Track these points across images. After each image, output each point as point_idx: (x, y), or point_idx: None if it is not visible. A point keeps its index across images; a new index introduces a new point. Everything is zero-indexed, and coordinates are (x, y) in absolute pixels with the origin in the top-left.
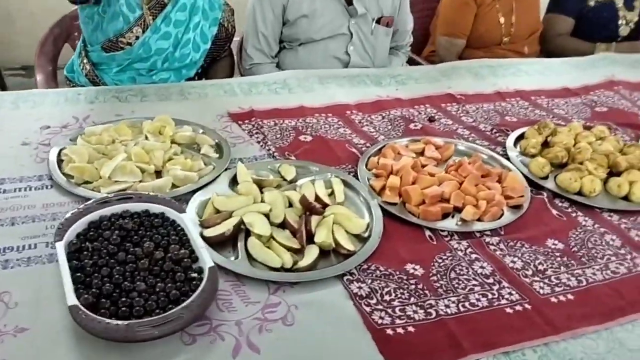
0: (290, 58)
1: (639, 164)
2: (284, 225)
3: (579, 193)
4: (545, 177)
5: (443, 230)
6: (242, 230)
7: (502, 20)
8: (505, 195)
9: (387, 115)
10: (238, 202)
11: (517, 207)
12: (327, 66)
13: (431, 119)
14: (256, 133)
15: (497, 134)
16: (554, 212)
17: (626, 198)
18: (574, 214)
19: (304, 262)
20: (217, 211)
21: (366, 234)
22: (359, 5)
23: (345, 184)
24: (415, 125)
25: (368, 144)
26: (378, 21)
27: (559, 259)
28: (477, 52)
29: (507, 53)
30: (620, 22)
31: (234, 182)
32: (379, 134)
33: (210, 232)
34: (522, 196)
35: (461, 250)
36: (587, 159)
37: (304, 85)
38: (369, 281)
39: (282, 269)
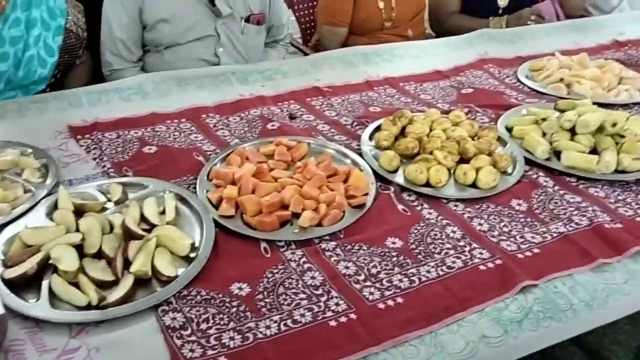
0: (156, 61)
1: (489, 148)
2: (100, 254)
3: (428, 185)
4: (395, 171)
5: (280, 241)
6: (50, 267)
7: (381, 5)
8: (348, 195)
9: (245, 116)
10: (48, 234)
11: (361, 207)
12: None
13: (292, 116)
14: (94, 148)
15: (358, 127)
16: (400, 207)
17: (475, 185)
18: (419, 208)
19: (113, 296)
20: (27, 246)
21: (194, 255)
22: (222, 5)
23: (181, 199)
24: (273, 125)
25: (218, 150)
26: (247, 20)
27: (394, 258)
28: (361, 38)
29: (390, 37)
30: None
31: (56, 209)
32: (233, 137)
33: (10, 273)
34: (366, 194)
35: (294, 261)
36: (437, 148)
37: (160, 89)
38: (187, 309)
39: (90, 306)
